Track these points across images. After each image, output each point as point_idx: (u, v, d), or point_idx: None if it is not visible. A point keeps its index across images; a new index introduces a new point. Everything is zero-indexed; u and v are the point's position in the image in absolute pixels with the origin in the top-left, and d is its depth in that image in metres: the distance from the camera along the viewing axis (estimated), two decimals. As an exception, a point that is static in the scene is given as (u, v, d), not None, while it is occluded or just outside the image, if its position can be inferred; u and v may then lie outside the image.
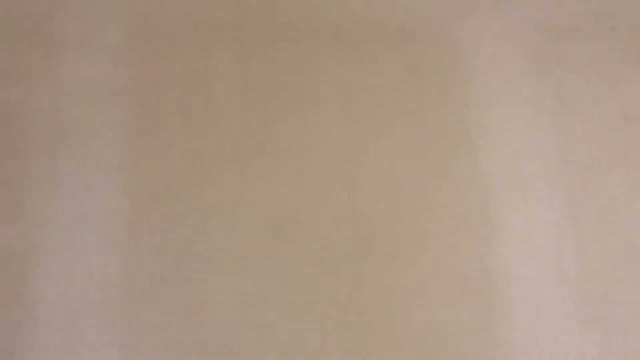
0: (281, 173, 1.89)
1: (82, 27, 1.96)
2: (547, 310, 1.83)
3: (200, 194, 1.85)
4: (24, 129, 1.86)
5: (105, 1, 1.97)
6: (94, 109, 1.89)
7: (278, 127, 1.93)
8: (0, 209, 1.79)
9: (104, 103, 1.90)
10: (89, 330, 1.71)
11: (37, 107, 1.88)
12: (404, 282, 1.83)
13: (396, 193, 1.90)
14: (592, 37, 2.07)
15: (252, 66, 1.98)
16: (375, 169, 1.92)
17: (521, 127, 1.98)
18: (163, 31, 1.98)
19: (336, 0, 2.05)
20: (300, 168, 1.90)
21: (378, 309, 1.80)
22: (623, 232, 1.89)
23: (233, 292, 1.78)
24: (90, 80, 1.92)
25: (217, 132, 1.91)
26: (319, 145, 1.93)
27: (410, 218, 1.88)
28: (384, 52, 2.03)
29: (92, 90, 1.90)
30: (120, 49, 1.95)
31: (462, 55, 2.05)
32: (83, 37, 1.95)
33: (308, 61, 1.99)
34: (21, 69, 1.91)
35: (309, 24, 2.03)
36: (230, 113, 1.93)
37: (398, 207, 1.89)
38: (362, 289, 1.81)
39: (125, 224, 1.80)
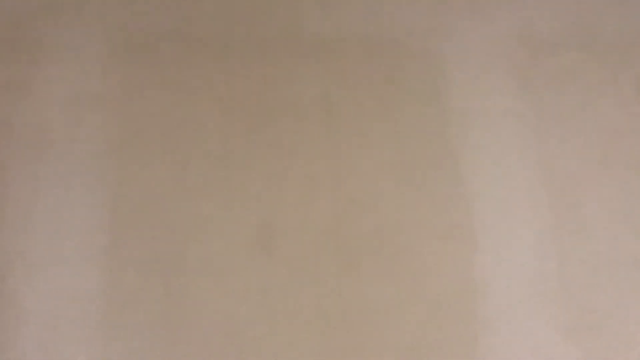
0: (264, 185, 1.89)
1: (66, 37, 1.95)
2: (528, 321, 1.84)
3: (182, 205, 1.84)
4: (5, 138, 1.84)
5: (89, 11, 1.97)
6: (76, 118, 1.88)
7: (261, 138, 1.93)
8: (-20, 220, 1.77)
9: (87, 113, 1.90)
10: (70, 342, 1.70)
11: (19, 116, 1.87)
12: (386, 295, 1.83)
13: (378, 206, 1.90)
14: (572, 50, 2.09)
15: (235, 77, 1.98)
16: (358, 181, 1.92)
17: (502, 139, 1.99)
18: (146, 41, 1.98)
19: (319, 12, 2.05)
20: (283, 180, 1.90)
21: (360, 322, 1.81)
22: (603, 243, 1.91)
23: (215, 304, 1.77)
24: (72, 89, 1.91)
25: (200, 143, 1.90)
26: (302, 157, 1.93)
27: (393, 231, 1.89)
28: (366, 64, 2.04)
29: (74, 100, 1.90)
30: (103, 59, 1.94)
31: (443, 67, 2.06)
32: (66, 47, 1.94)
33: (291, 73, 2.00)
34: (3, 77, 1.89)
35: (292, 36, 2.04)
36: (214, 124, 1.93)
37: (380, 220, 1.89)
38: (344, 301, 1.81)
39: (107, 235, 1.79)
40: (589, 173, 1.97)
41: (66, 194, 1.82)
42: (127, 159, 1.87)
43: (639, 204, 1.95)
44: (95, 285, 1.75)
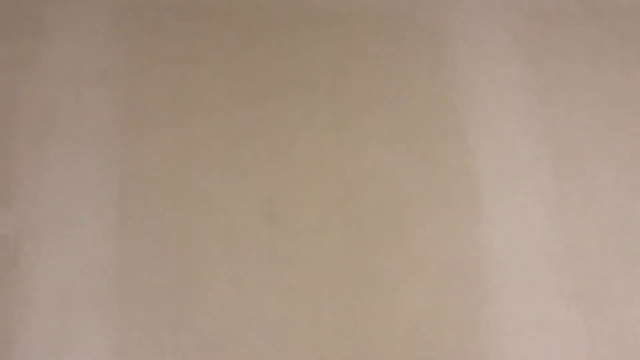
0: (271, 157, 1.90)
1: (70, 12, 1.95)
2: (534, 289, 1.85)
3: (190, 178, 1.85)
4: (12, 115, 1.85)
5: (93, -14, 1.97)
6: (82, 93, 1.89)
7: (268, 110, 1.94)
8: (-10, 196, 1.78)
9: (92, 88, 1.90)
10: (83, 315, 1.72)
11: (25, 92, 1.87)
12: (393, 264, 1.85)
13: (385, 178, 1.91)
14: (578, 21, 2.09)
15: (241, 52, 1.98)
16: (365, 153, 1.93)
17: (508, 111, 2.00)
18: (151, 16, 1.98)
19: (324, -15, 2.05)
20: (290, 153, 1.91)
21: (368, 292, 1.82)
22: (609, 212, 1.92)
23: (225, 275, 1.79)
24: (77, 65, 1.91)
25: (207, 116, 1.91)
26: (309, 129, 1.94)
27: (399, 203, 1.90)
28: (372, 37, 2.04)
29: (79, 75, 1.90)
30: (107, 34, 1.95)
31: (449, 39, 2.06)
32: (71, 22, 1.95)
33: (297, 47, 2.00)
34: (8, 54, 1.90)
35: (298, 10, 2.04)
36: (220, 98, 1.93)
37: (387, 192, 1.90)
38: (351, 270, 1.83)
39: (116, 209, 1.81)
40: (595, 142, 1.98)
41: (74, 169, 1.83)
42: (134, 133, 1.88)
43: (645, 172, 1.96)
44: (107, 259, 1.77)
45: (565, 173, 1.95)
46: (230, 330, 1.75)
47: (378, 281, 1.83)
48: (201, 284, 1.77)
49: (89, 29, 1.94)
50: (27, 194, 1.80)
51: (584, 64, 2.05)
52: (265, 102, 1.94)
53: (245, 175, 1.88)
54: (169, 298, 1.75)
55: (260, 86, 1.96)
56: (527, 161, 1.96)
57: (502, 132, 1.98)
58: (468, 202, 1.91)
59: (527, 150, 1.97)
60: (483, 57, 2.04)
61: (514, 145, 1.97)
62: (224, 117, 1.92)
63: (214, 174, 1.87)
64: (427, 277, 1.84)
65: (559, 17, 2.09)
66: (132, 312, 1.73)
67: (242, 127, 1.92)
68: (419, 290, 1.83)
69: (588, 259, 1.88)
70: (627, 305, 1.85)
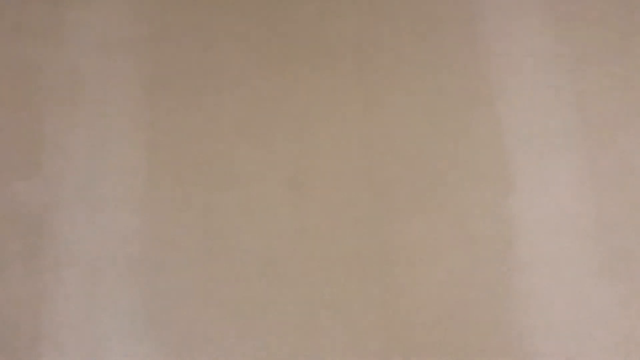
0: (297, 129, 1.88)
1: (97, -19, 1.95)
2: (564, 263, 1.82)
3: (216, 148, 1.85)
4: (39, 85, 1.85)
5: (120, -45, 1.96)
6: (109, 61, 1.89)
7: (294, 82, 1.92)
8: (18, 166, 1.79)
9: (118, 57, 1.90)
10: (110, 282, 1.72)
11: (52, 60, 1.87)
12: (422, 238, 1.83)
13: (413, 148, 1.89)
14: (611, -9, 2.05)
15: (267, 22, 1.96)
16: (392, 125, 1.91)
17: (539, 83, 1.96)
18: (177, -15, 1.97)
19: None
20: (317, 124, 1.89)
21: (395, 265, 1.81)
22: (641, 185, 1.89)
23: (251, 245, 1.78)
24: (104, 33, 1.91)
25: (232, 87, 1.90)
26: (336, 100, 1.92)
27: (428, 173, 1.88)
28: (401, 8, 2.01)
29: (106, 43, 1.90)
30: (134, 2, 1.94)
31: (480, 11, 2.03)
32: (97, -8, 1.94)
33: (324, 17, 1.98)
34: (34, 22, 1.90)
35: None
36: (246, 68, 1.92)
37: (415, 162, 1.88)
38: (378, 241, 1.81)
39: (143, 178, 1.80)
40: (626, 113, 1.94)
41: (101, 138, 1.83)
42: (160, 102, 1.87)
43: (678, 145, 1.92)
44: (133, 228, 1.77)
45: (596, 145, 1.91)
46: (255, 301, 1.75)
47: (405, 254, 1.81)
48: (226, 255, 1.77)
49: (116, -2, 1.94)
50: (54, 163, 1.80)
51: (615, 35, 2.01)
52: (291, 72, 1.93)
53: (271, 146, 1.87)
54: (195, 268, 1.75)
55: (287, 57, 1.94)
56: (558, 133, 1.92)
57: (532, 104, 1.95)
58: (498, 174, 1.89)
59: (558, 122, 1.93)
60: (514, 29, 2.01)
61: (545, 117, 1.94)
62: (250, 87, 1.91)
63: (239, 144, 1.86)
64: (456, 250, 1.82)
65: (592, -13, 2.05)
66: (158, 282, 1.73)
67: (267, 98, 1.90)
68: (447, 263, 1.81)
69: (619, 233, 1.85)
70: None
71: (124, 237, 1.75)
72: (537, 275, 1.81)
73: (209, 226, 1.78)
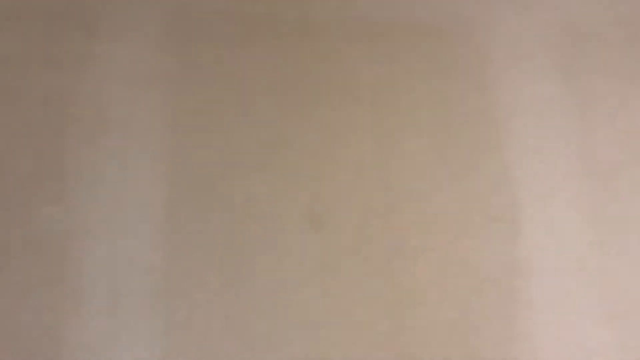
0: (315, 166, 1.94)
1: (123, 15, 1.99)
2: (568, 306, 1.89)
3: (236, 183, 1.89)
4: (66, 114, 1.89)
5: (147, -10, 2.01)
6: (134, 95, 1.93)
7: (311, 119, 1.98)
8: (43, 192, 1.82)
9: (143, 91, 1.94)
10: (130, 314, 1.76)
11: (79, 92, 1.91)
12: (432, 276, 1.88)
13: (425, 189, 1.95)
14: (618, 42, 2.13)
15: (287, 58, 2.02)
16: (405, 164, 1.97)
17: (547, 129, 2.04)
18: (200, 21, 2.02)
19: (369, -3, 2.09)
20: (334, 161, 1.95)
21: (406, 301, 1.86)
22: (644, 232, 1.96)
23: (268, 279, 1.83)
24: (130, 67, 1.95)
25: (253, 122, 1.95)
26: (351, 139, 1.98)
27: (439, 214, 1.94)
28: (413, 51, 2.08)
29: (132, 76, 1.94)
30: (160, 38, 1.99)
31: (489, 55, 2.10)
32: (123, 25, 1.99)
33: (342, 57, 2.04)
34: (63, 54, 1.94)
35: (342, 21, 2.08)
36: (266, 103, 1.97)
37: (427, 203, 1.94)
38: (392, 279, 1.87)
39: (164, 210, 1.85)
40: (631, 161, 2.02)
41: (124, 169, 1.87)
42: (183, 136, 1.92)
43: (680, 195, 1.99)
44: (153, 260, 1.80)
45: (601, 191, 1.99)
46: (272, 333, 1.79)
47: (415, 290, 1.87)
48: (245, 287, 1.81)
49: (142, 33, 1.98)
50: (78, 192, 1.84)
51: (622, 85, 2.09)
52: (309, 110, 1.98)
53: (288, 181, 1.92)
54: (214, 301, 1.79)
55: (306, 94, 2.00)
56: (565, 178, 2.00)
57: (540, 149, 2.02)
58: (506, 216, 1.95)
59: (565, 167, 2.01)
60: (524, 75, 2.08)
61: (552, 162, 2.01)
62: (270, 124, 1.96)
63: (258, 179, 1.91)
64: (465, 290, 1.88)
65: (599, 38, 2.13)
66: (178, 314, 1.77)
67: (286, 134, 1.96)
68: (455, 302, 1.87)
69: (621, 278, 1.92)
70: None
71: (145, 269, 1.79)
72: (543, 316, 1.87)
73: (228, 260, 1.83)
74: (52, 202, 1.82)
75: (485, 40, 2.11)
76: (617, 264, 1.93)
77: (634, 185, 1.99)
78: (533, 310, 1.88)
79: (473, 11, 2.13)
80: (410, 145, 1.99)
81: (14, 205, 1.80)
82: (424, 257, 1.89)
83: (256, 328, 1.79)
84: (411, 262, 1.89)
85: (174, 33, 1.99)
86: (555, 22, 2.15)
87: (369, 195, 1.93)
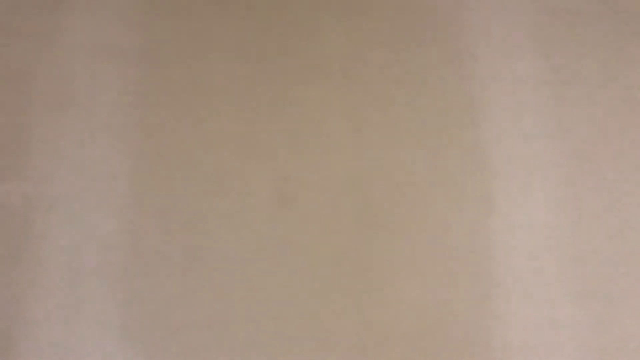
0: (284, 141, 1.90)
1: (89, -13, 1.95)
2: (542, 284, 1.86)
3: (203, 158, 1.86)
4: (29, 87, 1.85)
5: (114, -38, 1.97)
6: (99, 68, 1.89)
7: (282, 95, 1.94)
8: (4, 166, 1.78)
9: (109, 63, 1.90)
10: (91, 288, 1.72)
11: (42, 65, 1.87)
12: (403, 255, 1.85)
13: (397, 167, 1.92)
14: (596, 19, 2.09)
15: (257, 34, 1.98)
16: (377, 142, 1.93)
17: (523, 107, 2.00)
18: (170, -6, 1.98)
19: (343, -29, 2.06)
20: (303, 138, 1.91)
21: (376, 281, 1.83)
22: (619, 211, 1.93)
23: (234, 256, 1.79)
24: (95, 40, 1.91)
25: (221, 97, 1.91)
26: (323, 115, 1.94)
27: (411, 192, 1.90)
28: (389, 28, 2.04)
29: (97, 50, 1.90)
30: (126, 10, 1.94)
31: (465, 30, 2.06)
32: (90, -2, 1.95)
33: (313, 32, 2.00)
34: (28, 27, 1.89)
35: (315, -6, 2.04)
36: (235, 79, 1.93)
37: (399, 181, 1.91)
38: (361, 256, 1.83)
39: (128, 184, 1.81)
40: (608, 141, 1.99)
41: (88, 143, 1.83)
42: (148, 110, 1.88)
43: (657, 172, 1.97)
44: (116, 235, 1.77)
45: (577, 170, 1.96)
46: (236, 311, 1.75)
47: (386, 270, 1.84)
48: (209, 264, 1.78)
49: (107, 6, 1.94)
50: (40, 166, 1.80)
51: (600, 63, 2.06)
52: (280, 85, 1.95)
53: (257, 158, 1.88)
54: (177, 276, 1.76)
55: (276, 69, 1.96)
56: (540, 157, 1.96)
57: (516, 128, 1.98)
58: (479, 195, 1.92)
59: (540, 146, 1.97)
60: (500, 53, 2.04)
61: (527, 141, 1.97)
62: (238, 98, 1.92)
63: (226, 154, 1.87)
64: (436, 269, 1.85)
65: (577, 15, 2.09)
66: (140, 289, 1.74)
67: (256, 109, 1.92)
68: (427, 281, 1.84)
69: (597, 258, 1.89)
70: (636, 306, 1.86)
71: (107, 243, 1.76)
72: (515, 298, 1.84)
73: (193, 236, 1.79)
74: (13, 177, 1.78)
75: (460, 15, 2.07)
76: (591, 243, 1.90)
77: (609, 163, 1.96)
78: (505, 292, 1.85)
79: (449, -13, 2.10)
80: (382, 121, 1.95)
81: (-26, 178, 1.76)
82: (395, 236, 1.86)
83: (217, 306, 1.75)
84: (382, 240, 1.85)
85: (143, 5, 1.95)
86: (534, 0, 2.11)
87: (339, 172, 1.89)
